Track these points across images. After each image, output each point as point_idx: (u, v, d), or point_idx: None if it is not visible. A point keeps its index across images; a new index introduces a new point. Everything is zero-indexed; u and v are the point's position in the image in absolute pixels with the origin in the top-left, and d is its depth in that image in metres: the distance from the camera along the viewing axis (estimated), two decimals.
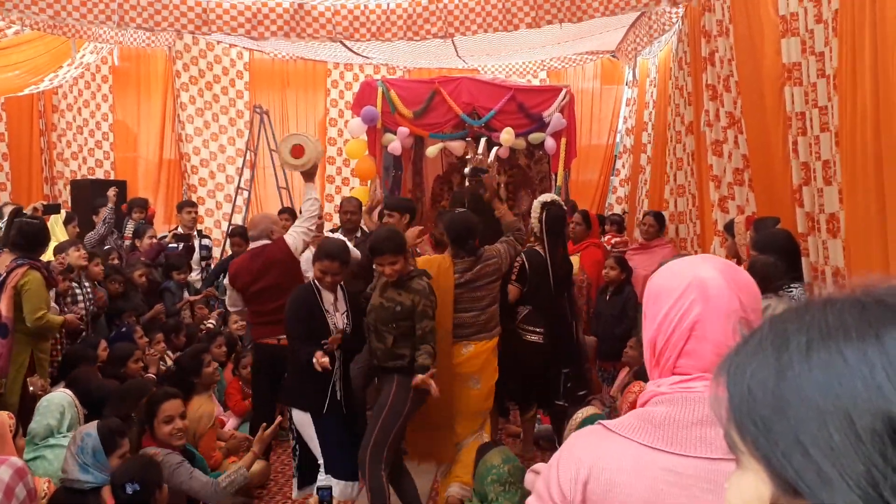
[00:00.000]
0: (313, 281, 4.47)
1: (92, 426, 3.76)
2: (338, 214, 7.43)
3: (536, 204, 5.57)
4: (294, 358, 4.41)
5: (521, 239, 5.23)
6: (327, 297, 4.42)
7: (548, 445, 5.83)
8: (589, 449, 1.33)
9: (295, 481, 4.64)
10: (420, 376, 4.08)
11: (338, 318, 4.41)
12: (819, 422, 0.58)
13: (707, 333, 1.30)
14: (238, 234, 7.47)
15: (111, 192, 7.54)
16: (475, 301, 4.84)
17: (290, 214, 8.11)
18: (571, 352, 5.74)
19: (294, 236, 5.23)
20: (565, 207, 5.98)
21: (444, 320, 4.65)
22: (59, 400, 4.24)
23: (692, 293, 1.32)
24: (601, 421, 1.37)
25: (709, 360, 1.29)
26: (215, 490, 3.86)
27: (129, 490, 3.26)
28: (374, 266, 4.53)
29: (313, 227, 5.37)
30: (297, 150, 5.33)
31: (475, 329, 4.84)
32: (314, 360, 4.06)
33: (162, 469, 3.54)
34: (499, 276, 4.97)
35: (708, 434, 1.25)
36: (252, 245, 5.42)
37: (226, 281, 5.43)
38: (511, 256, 5.06)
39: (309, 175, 5.40)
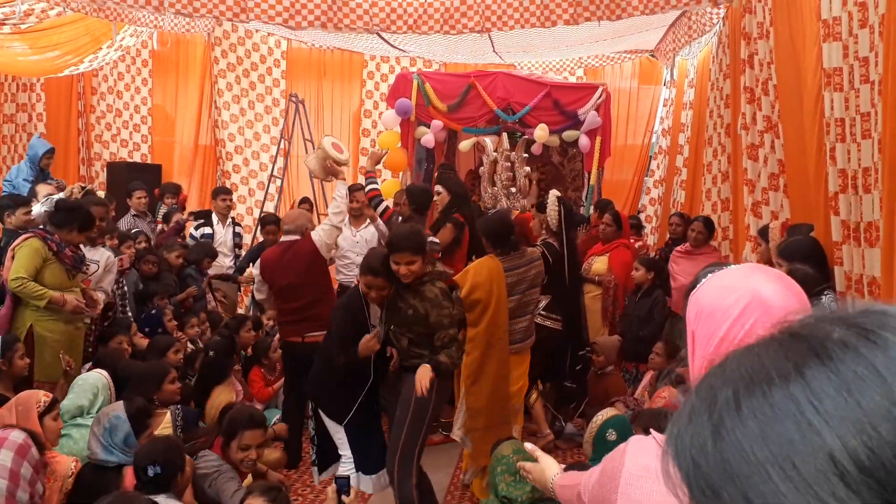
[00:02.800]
0: (361, 293, 4.27)
1: (118, 408, 3.78)
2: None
3: (553, 198, 5.71)
4: (324, 359, 4.34)
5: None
6: (375, 310, 4.29)
7: (568, 446, 5.81)
8: (648, 467, 1.30)
9: (315, 469, 4.67)
10: (422, 372, 3.88)
11: (382, 332, 4.26)
12: (762, 476, 0.54)
13: None
14: (272, 222, 7.51)
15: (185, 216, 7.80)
16: (526, 306, 5.08)
17: (310, 206, 8.21)
18: (584, 338, 6.08)
19: (320, 234, 5.25)
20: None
21: (502, 319, 4.86)
22: (93, 381, 4.27)
23: (754, 312, 1.25)
24: (655, 434, 1.34)
25: None
26: None
27: (150, 472, 3.28)
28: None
29: (340, 226, 5.42)
30: (338, 147, 5.47)
31: (520, 336, 5.09)
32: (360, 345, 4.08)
33: (184, 456, 3.55)
34: (540, 283, 5.19)
35: None
36: (284, 238, 5.45)
37: (255, 270, 5.48)
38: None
39: (334, 173, 5.49)
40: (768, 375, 0.58)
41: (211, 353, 5.47)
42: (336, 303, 4.53)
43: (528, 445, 2.08)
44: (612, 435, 3.99)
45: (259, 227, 8.24)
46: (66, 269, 4.96)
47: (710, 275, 1.36)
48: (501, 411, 4.91)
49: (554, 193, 5.85)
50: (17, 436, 3.14)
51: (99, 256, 5.52)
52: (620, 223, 7.00)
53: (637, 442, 1.44)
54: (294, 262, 5.16)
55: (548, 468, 1.97)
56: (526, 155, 5.81)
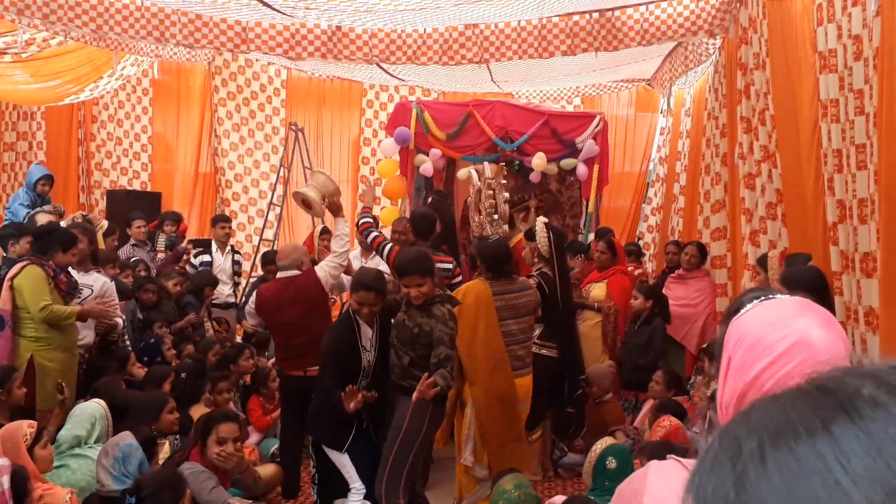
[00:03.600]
0: (352, 312, 4.37)
1: (128, 436, 3.78)
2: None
3: (541, 225, 5.69)
4: (320, 391, 4.38)
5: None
6: (366, 331, 4.35)
7: (568, 475, 5.78)
8: (674, 489, 1.29)
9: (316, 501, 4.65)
10: (425, 385, 3.92)
11: (371, 356, 4.35)
12: None
13: None
14: (272, 262, 7.53)
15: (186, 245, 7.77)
16: (515, 335, 5.07)
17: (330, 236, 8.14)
18: (579, 362, 6.01)
19: (325, 271, 5.16)
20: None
21: (495, 341, 4.93)
22: (91, 410, 4.25)
23: (799, 353, 1.23)
24: (676, 458, 1.33)
25: None
26: None
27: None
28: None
29: (345, 263, 5.35)
30: (306, 204, 5.44)
31: (519, 364, 5.07)
32: (344, 402, 4.09)
33: (185, 485, 3.56)
34: (533, 311, 5.20)
35: None
36: (281, 274, 5.35)
37: (249, 305, 5.43)
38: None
39: (335, 210, 5.35)
40: (795, 429, 0.57)
41: (182, 375, 5.47)
42: (329, 328, 4.57)
43: None
44: (611, 463, 3.99)
45: (260, 263, 8.21)
46: (62, 294, 4.97)
47: (755, 301, 1.33)
48: (513, 429, 4.96)
49: (541, 220, 5.84)
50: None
51: (92, 281, 5.49)
52: (615, 250, 7.00)
53: (658, 465, 1.42)
54: (297, 300, 5.06)
55: None
56: (505, 182, 5.76)
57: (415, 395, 3.92)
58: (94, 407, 4.28)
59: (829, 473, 0.53)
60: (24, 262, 4.91)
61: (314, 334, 4.96)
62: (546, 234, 5.66)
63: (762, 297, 1.33)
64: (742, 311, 1.32)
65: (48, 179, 7.68)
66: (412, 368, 4.19)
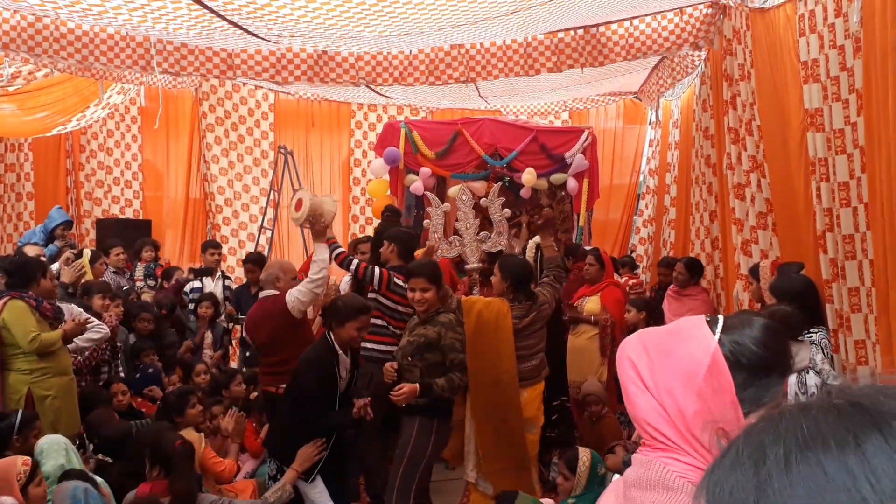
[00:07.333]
0: (332, 342, 4.26)
1: (68, 486, 3.67)
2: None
3: (532, 244, 5.66)
4: (283, 414, 4.39)
5: (560, 277, 5.27)
6: (343, 360, 4.30)
7: None
8: None
9: None
10: (409, 387, 4.10)
11: (345, 383, 4.34)
12: None
13: None
14: (251, 261, 7.50)
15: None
16: (529, 349, 4.97)
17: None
18: (562, 384, 5.88)
19: (295, 295, 4.90)
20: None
21: (507, 364, 4.80)
22: (55, 440, 4.16)
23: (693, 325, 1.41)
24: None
25: None
26: None
27: None
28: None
29: (319, 291, 4.97)
30: (298, 204, 5.15)
31: (527, 375, 4.96)
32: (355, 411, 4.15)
33: None
34: (546, 322, 5.08)
35: None
36: (263, 293, 5.30)
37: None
38: (554, 298, 5.14)
39: (317, 234, 5.08)
40: (825, 441, 0.56)
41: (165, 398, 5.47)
42: (302, 357, 4.35)
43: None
44: (601, 469, 4.27)
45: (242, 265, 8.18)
46: (49, 322, 4.91)
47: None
48: (513, 455, 4.85)
49: (535, 240, 5.82)
50: (6, 500, 3.11)
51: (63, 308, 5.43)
52: (603, 262, 6.91)
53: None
54: (265, 322, 4.97)
55: None
56: (503, 199, 5.66)
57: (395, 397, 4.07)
58: (54, 438, 4.18)
59: (857, 491, 0.53)
60: (5, 298, 4.84)
61: (285, 356, 4.85)
62: (534, 255, 5.64)
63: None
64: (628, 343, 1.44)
65: (68, 225, 7.84)
66: (422, 381, 4.21)
